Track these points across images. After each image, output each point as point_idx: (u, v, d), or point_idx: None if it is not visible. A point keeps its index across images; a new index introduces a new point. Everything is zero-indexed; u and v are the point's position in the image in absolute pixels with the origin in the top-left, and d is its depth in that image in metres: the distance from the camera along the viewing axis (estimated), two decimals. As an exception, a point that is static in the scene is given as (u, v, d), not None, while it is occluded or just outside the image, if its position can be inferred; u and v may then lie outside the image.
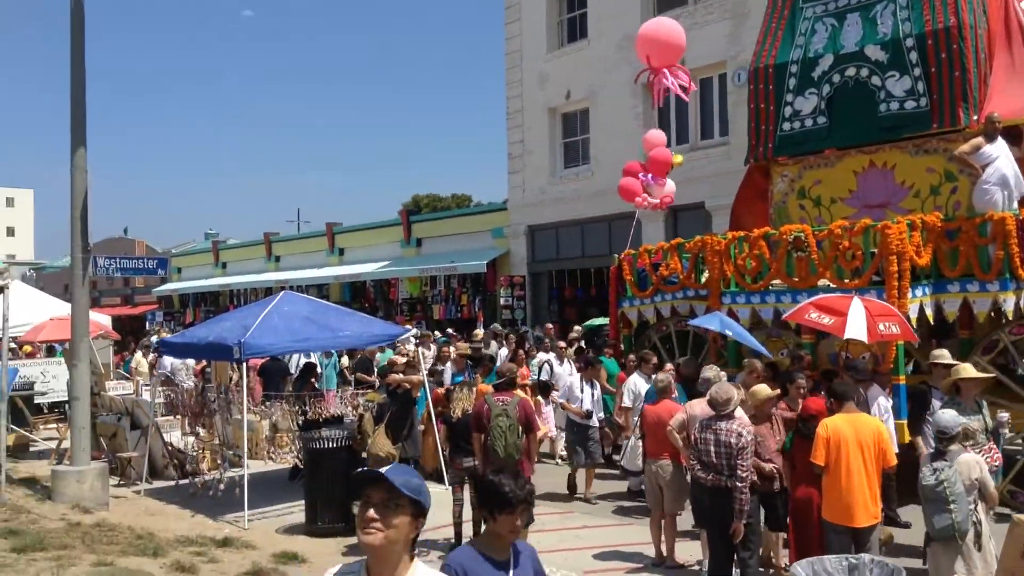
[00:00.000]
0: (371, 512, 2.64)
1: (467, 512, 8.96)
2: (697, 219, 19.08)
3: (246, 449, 10.94)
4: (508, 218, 25.30)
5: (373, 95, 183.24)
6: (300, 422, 11.47)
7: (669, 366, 10.64)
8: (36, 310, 16.63)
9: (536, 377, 13.67)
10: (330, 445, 9.81)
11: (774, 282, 10.86)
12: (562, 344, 14.67)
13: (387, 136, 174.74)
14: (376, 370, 14.90)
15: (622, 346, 13.07)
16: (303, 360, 15.35)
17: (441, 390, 12.07)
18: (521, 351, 15.38)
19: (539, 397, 13.01)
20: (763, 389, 7.87)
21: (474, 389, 9.65)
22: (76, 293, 11.25)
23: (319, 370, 16.17)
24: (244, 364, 10.73)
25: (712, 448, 6.98)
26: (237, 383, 12.22)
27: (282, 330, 10.64)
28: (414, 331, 12.63)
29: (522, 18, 24.83)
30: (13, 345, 19.50)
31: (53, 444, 14.07)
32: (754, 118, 13.10)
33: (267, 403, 12.91)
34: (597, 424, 11.16)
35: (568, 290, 24.21)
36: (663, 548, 8.34)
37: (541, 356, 14.71)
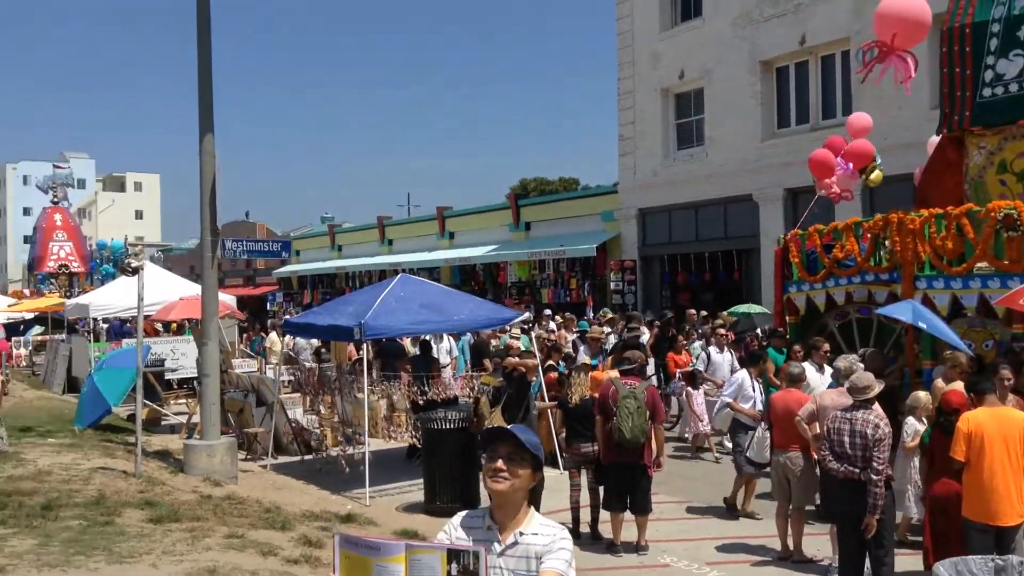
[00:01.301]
0: (499, 463, 3.03)
1: (584, 497, 8.93)
2: (818, 202, 18.39)
3: (367, 427, 11.17)
4: (618, 201, 25.04)
5: (481, 80, 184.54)
6: (419, 402, 11.66)
7: (852, 358, 9.42)
8: (166, 290, 17.44)
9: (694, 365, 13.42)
10: (447, 426, 9.94)
11: (979, 265, 9.63)
12: (722, 331, 13.78)
13: (495, 120, 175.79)
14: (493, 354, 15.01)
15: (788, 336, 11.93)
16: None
17: (554, 375, 12.08)
18: (681, 337, 15.01)
19: (689, 388, 12.78)
20: None
21: (589, 375, 9.58)
22: (205, 274, 11.54)
23: (453, 352, 16.43)
24: (365, 344, 10.91)
25: (847, 439, 6.72)
26: (359, 362, 12.49)
27: (399, 312, 10.82)
28: (527, 316, 12.63)
29: (634, -3, 24.45)
30: (158, 326, 20.57)
31: (183, 419, 14.71)
32: (947, 84, 11.75)
33: (385, 383, 13.16)
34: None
35: (681, 275, 23.80)
36: (789, 542, 8.10)
37: (696, 345, 14.28)
